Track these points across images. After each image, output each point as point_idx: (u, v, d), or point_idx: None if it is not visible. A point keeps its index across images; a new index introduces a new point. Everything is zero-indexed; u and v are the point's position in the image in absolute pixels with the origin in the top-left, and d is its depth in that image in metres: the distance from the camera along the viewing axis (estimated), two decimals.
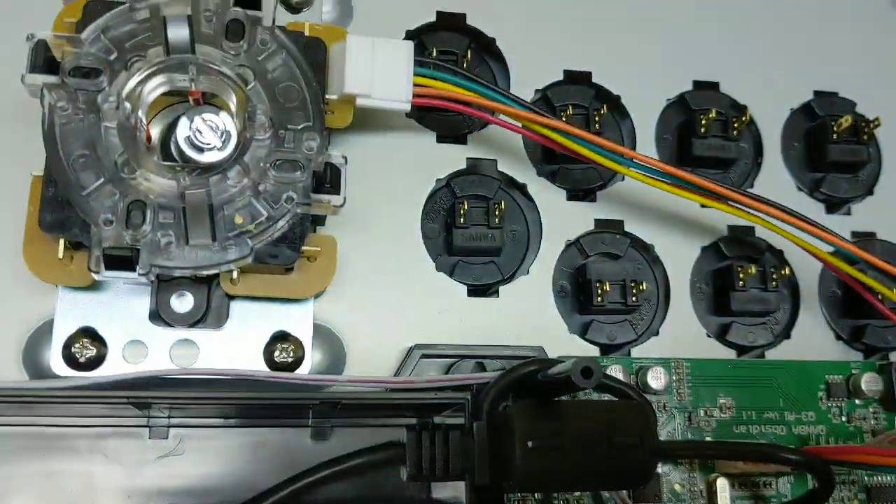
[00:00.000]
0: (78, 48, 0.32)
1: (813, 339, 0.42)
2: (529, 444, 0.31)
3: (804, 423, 0.40)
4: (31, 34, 0.32)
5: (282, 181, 0.32)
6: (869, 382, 0.40)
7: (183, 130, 0.31)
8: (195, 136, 0.31)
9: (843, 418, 0.40)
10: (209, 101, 0.33)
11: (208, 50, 0.33)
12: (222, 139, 0.31)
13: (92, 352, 0.34)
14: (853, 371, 0.40)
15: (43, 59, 0.31)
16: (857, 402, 0.40)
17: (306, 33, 0.35)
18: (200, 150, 0.31)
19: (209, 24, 0.33)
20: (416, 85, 0.36)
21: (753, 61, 0.44)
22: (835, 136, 0.43)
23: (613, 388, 0.35)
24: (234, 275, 0.32)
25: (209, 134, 0.31)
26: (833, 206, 0.44)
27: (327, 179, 0.32)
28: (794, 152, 0.44)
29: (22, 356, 0.35)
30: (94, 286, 0.34)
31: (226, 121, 0.31)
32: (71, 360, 0.34)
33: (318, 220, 0.36)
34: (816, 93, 0.45)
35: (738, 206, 0.39)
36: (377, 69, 0.35)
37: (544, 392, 0.33)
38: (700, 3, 0.44)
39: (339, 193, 0.32)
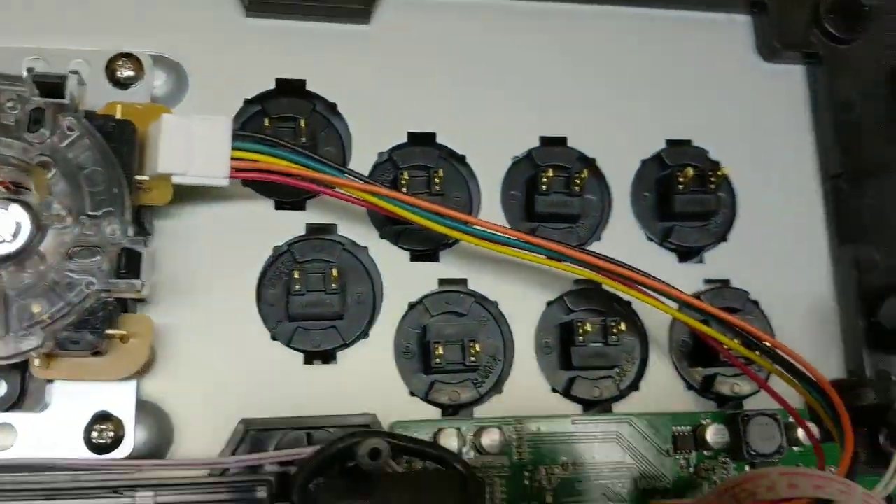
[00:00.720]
0: None
1: (663, 389, 0.42)
2: None
3: (648, 478, 0.40)
4: None
5: (81, 268, 0.32)
6: (715, 434, 0.40)
7: None
8: None
9: (690, 469, 0.40)
10: (11, 190, 0.33)
11: (9, 140, 0.33)
12: (13, 231, 0.31)
13: None
14: (703, 422, 0.41)
15: None
16: (705, 453, 0.40)
17: (117, 115, 0.35)
18: None
19: (10, 115, 0.33)
20: (235, 159, 0.36)
21: (602, 114, 0.44)
22: (681, 186, 0.43)
23: (431, 456, 0.35)
24: (37, 362, 0.32)
25: (1, 225, 0.31)
26: (685, 254, 0.44)
27: (123, 265, 0.32)
28: (646, 202, 0.44)
29: None
30: None
31: (15, 213, 0.31)
32: None
33: (138, 300, 0.36)
34: (669, 142, 0.45)
35: (580, 265, 0.39)
36: (194, 146, 0.36)
37: (354, 468, 0.33)
38: (545, 59, 0.44)
39: (138, 278, 0.33)
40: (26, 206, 0.32)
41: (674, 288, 0.39)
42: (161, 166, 0.35)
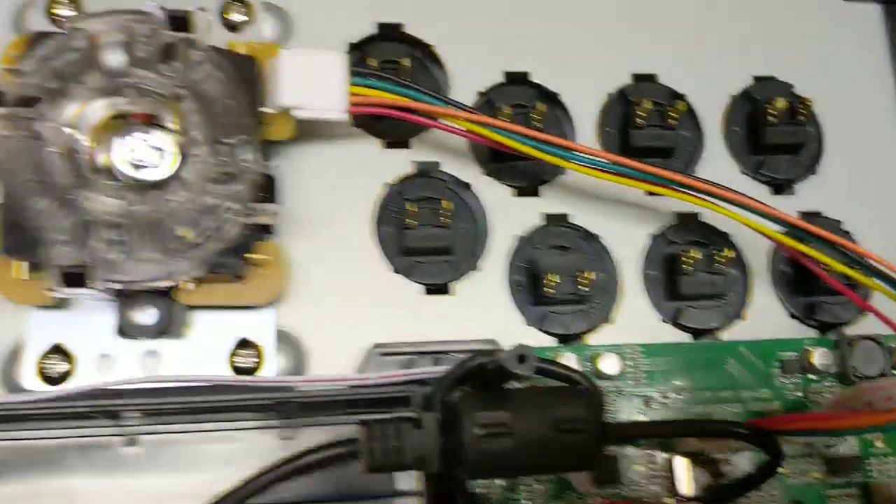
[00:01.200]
0: (20, 78, 0.33)
1: (766, 318, 0.43)
2: (476, 431, 0.32)
3: (760, 401, 0.40)
4: None
5: (221, 193, 0.33)
6: (821, 357, 0.41)
7: (120, 151, 0.32)
8: (132, 156, 0.32)
9: (799, 394, 0.41)
10: (152, 122, 0.34)
11: (144, 73, 0.34)
12: (159, 157, 0.32)
13: (63, 367, 0.35)
14: (806, 347, 0.41)
15: None
16: (811, 377, 0.41)
17: (242, 52, 0.36)
18: (137, 168, 0.32)
19: (144, 49, 0.34)
20: (352, 94, 0.37)
21: (691, 51, 0.45)
22: (771, 118, 0.44)
23: (559, 374, 0.35)
24: (190, 286, 0.33)
25: (145, 152, 0.32)
26: (778, 187, 0.45)
27: (265, 189, 0.33)
28: (736, 137, 0.45)
29: (0, 373, 0.36)
30: (63, 305, 0.36)
31: (160, 139, 0.32)
32: (43, 375, 0.35)
33: (268, 229, 0.37)
34: (756, 78, 0.46)
35: (683, 189, 0.40)
36: (312, 81, 0.37)
37: (492, 382, 0.34)
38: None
39: (274, 201, 0.34)
40: (167, 133, 0.33)
41: (778, 211, 0.40)
42: (283, 99, 0.36)
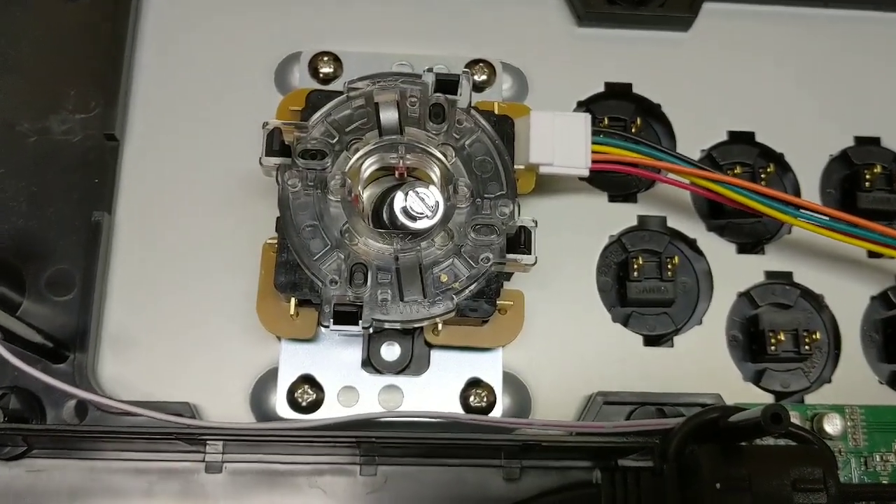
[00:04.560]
0: (305, 133, 0.37)
1: None
2: (717, 486, 0.33)
3: None
4: (266, 122, 0.37)
5: (480, 243, 0.36)
6: None
7: (399, 202, 0.35)
8: (410, 208, 0.35)
9: None
10: (412, 174, 0.38)
11: (414, 131, 0.37)
12: (432, 209, 0.35)
13: (311, 396, 0.39)
14: None
15: (277, 144, 0.36)
16: None
17: (496, 111, 0.39)
18: (414, 218, 0.35)
19: (414, 109, 0.37)
20: (593, 152, 0.40)
21: None
22: None
23: (793, 434, 0.36)
24: (439, 326, 0.36)
25: (421, 205, 0.35)
26: None
27: (521, 241, 0.36)
28: None
29: (249, 400, 0.40)
30: (313, 338, 0.39)
31: (435, 194, 0.35)
32: (294, 403, 0.39)
33: (504, 277, 0.40)
34: None
35: None
36: (557, 140, 0.39)
37: (727, 438, 0.35)
38: (859, 60, 0.46)
39: (530, 253, 0.36)
40: (436, 187, 0.36)
41: None
42: (532, 157, 0.39)
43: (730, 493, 0.33)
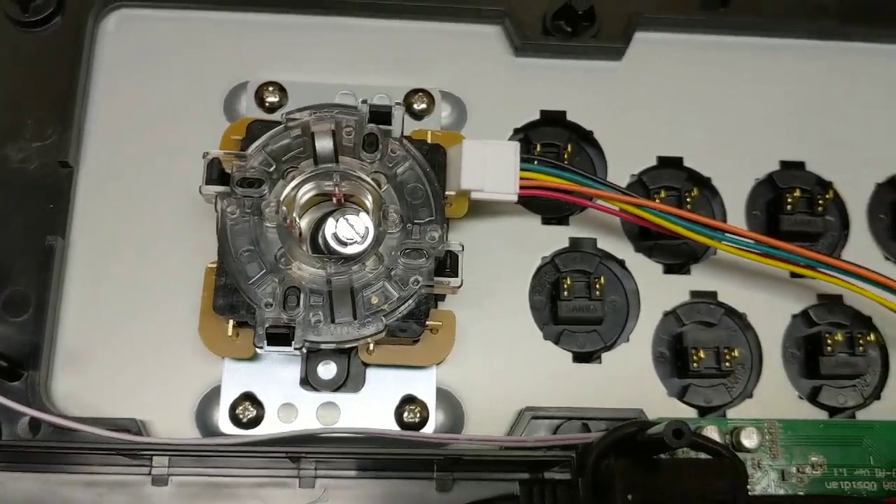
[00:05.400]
0: (244, 162, 0.39)
1: None
2: (629, 498, 0.35)
3: (894, 479, 0.42)
4: (206, 153, 0.39)
5: (410, 267, 0.38)
6: None
7: (330, 228, 0.37)
8: (340, 234, 0.37)
9: None
10: (349, 201, 0.40)
11: (349, 160, 0.39)
12: (362, 235, 0.37)
13: (252, 413, 0.40)
14: None
15: (216, 173, 0.38)
16: None
17: (429, 140, 0.41)
18: (345, 244, 0.37)
19: (349, 139, 0.39)
20: (521, 178, 0.42)
21: (838, 139, 0.47)
22: None
23: (706, 447, 0.38)
24: (371, 346, 0.38)
25: (351, 231, 0.37)
26: None
27: (447, 265, 0.38)
28: (881, 224, 0.47)
29: (195, 416, 0.41)
30: (254, 357, 0.41)
31: (364, 220, 0.37)
32: (235, 419, 0.40)
33: (439, 297, 0.42)
34: None
35: (827, 270, 0.42)
36: (488, 167, 0.41)
37: (643, 452, 0.37)
38: (784, 89, 0.48)
39: (457, 276, 0.38)
40: (367, 214, 0.38)
41: None
42: (463, 183, 0.41)
43: None
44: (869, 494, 0.41)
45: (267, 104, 0.45)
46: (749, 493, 0.39)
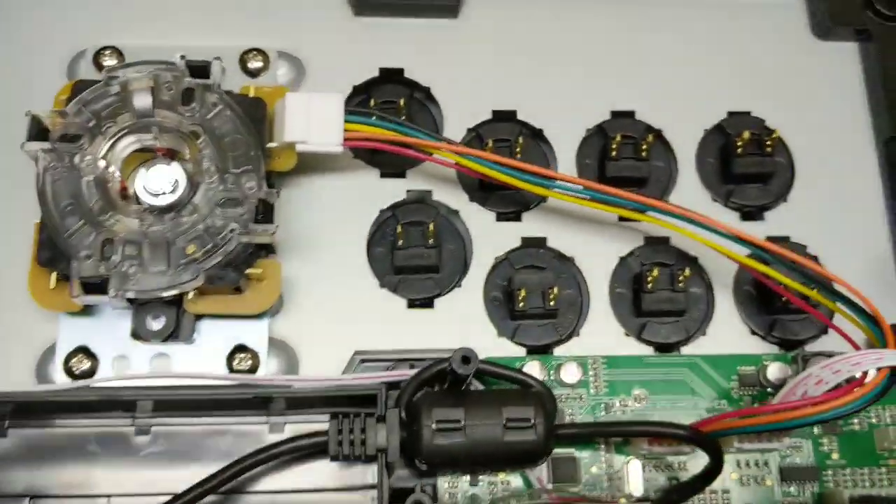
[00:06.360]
0: (64, 119, 0.40)
1: (729, 334, 0.46)
2: (433, 426, 0.37)
3: (716, 410, 0.44)
4: (28, 111, 0.40)
5: (226, 216, 0.39)
6: (776, 372, 0.44)
7: (140, 181, 0.38)
8: (149, 186, 0.38)
9: (755, 405, 0.44)
10: (172, 155, 0.41)
11: (167, 113, 0.40)
12: (172, 186, 0.38)
13: (86, 365, 0.42)
14: (764, 363, 0.44)
15: (37, 131, 0.39)
16: (768, 390, 0.44)
17: (251, 94, 0.42)
18: (155, 195, 0.38)
19: (169, 94, 0.40)
20: (347, 130, 0.43)
21: (668, 90, 0.49)
22: (739, 150, 0.47)
23: (508, 377, 0.40)
24: (190, 296, 0.39)
25: (161, 182, 0.38)
26: (747, 214, 0.48)
27: (260, 212, 0.39)
28: (709, 167, 0.49)
29: (35, 371, 0.42)
30: (88, 312, 0.42)
31: (175, 171, 0.39)
32: (69, 372, 0.41)
33: (269, 249, 0.43)
34: (730, 113, 0.49)
35: (654, 212, 0.44)
36: (312, 119, 0.42)
37: (452, 384, 0.39)
38: (614, 40, 0.50)
39: (272, 223, 0.39)
40: (183, 165, 0.39)
41: (740, 231, 0.43)
42: (286, 135, 0.42)
43: (445, 433, 0.37)
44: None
45: (105, 68, 0.46)
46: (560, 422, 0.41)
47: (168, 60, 0.41)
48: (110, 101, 0.41)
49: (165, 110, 0.41)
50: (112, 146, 0.40)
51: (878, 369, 0.38)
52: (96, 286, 0.38)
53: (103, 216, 0.39)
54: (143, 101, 0.40)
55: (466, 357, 0.35)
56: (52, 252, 0.39)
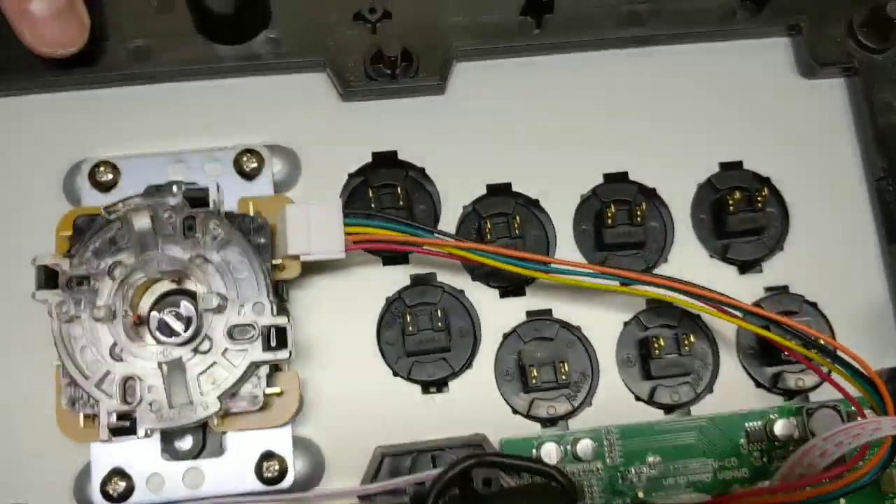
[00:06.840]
0: (70, 261, 0.41)
1: (735, 389, 0.48)
2: None
3: (727, 469, 0.46)
4: (35, 258, 0.41)
5: (239, 345, 0.40)
6: (783, 428, 0.46)
7: (153, 323, 0.39)
8: (164, 327, 0.39)
9: (764, 459, 0.46)
10: (180, 288, 0.42)
11: (171, 245, 0.41)
12: (186, 324, 0.39)
13: (122, 487, 0.43)
14: (771, 417, 0.46)
15: (45, 279, 0.40)
16: (776, 444, 0.46)
17: (251, 210, 0.43)
18: (170, 334, 0.40)
19: (170, 223, 0.41)
20: (348, 233, 0.44)
21: (657, 146, 0.50)
22: (731, 207, 0.48)
23: (538, 471, 0.41)
24: (215, 422, 0.41)
25: (175, 322, 0.39)
26: (744, 266, 0.49)
27: (276, 339, 0.40)
28: (704, 224, 0.49)
29: (73, 493, 0.44)
30: None
31: (187, 308, 0.40)
32: (106, 495, 0.43)
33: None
34: (721, 164, 0.50)
35: (649, 287, 0.45)
36: (313, 228, 0.43)
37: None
38: (598, 103, 0.50)
39: (286, 348, 0.40)
40: (192, 300, 0.40)
41: (735, 299, 0.44)
42: (290, 249, 0.43)
43: None
44: (703, 486, 0.45)
45: (101, 183, 0.46)
46: None
47: (163, 189, 0.42)
48: (112, 236, 0.41)
49: (169, 244, 0.41)
50: (120, 284, 0.41)
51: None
52: (125, 429, 0.39)
53: (120, 353, 0.40)
54: (145, 234, 0.41)
55: (487, 479, 0.37)
56: (74, 394, 0.40)
